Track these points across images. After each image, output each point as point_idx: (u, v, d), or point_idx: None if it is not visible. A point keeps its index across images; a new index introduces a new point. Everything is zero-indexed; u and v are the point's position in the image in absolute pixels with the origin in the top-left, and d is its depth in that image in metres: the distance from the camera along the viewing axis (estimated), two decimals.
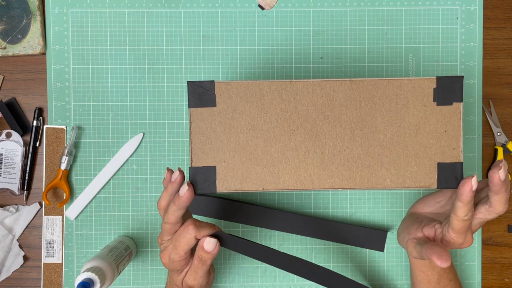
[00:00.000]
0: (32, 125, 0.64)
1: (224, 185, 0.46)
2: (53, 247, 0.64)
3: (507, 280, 0.67)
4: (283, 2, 0.65)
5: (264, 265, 0.65)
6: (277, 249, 0.65)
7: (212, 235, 0.46)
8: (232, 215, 0.64)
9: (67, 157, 0.62)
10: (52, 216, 0.64)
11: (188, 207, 0.64)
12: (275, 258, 0.48)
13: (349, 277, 0.65)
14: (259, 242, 0.65)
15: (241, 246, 0.47)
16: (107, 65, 0.64)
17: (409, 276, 0.65)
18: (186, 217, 0.51)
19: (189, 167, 0.46)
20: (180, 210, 0.45)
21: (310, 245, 0.65)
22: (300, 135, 0.46)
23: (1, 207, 0.65)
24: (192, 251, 0.49)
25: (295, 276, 0.65)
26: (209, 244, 0.45)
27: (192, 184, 0.46)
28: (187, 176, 0.64)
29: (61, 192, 0.65)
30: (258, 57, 0.65)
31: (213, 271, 0.52)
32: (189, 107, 0.45)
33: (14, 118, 0.63)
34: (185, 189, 0.44)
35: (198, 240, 0.46)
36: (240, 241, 0.47)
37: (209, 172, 0.46)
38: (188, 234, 0.45)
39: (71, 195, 0.64)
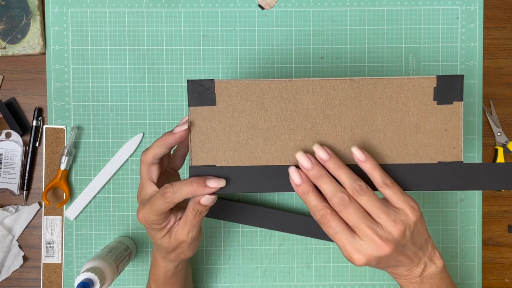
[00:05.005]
0: (32, 125, 0.64)
1: None
2: (52, 247, 0.64)
3: (507, 280, 0.67)
4: (283, 2, 0.65)
5: (264, 265, 0.65)
6: (277, 249, 0.65)
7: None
8: (232, 215, 0.64)
9: (66, 157, 0.62)
10: (51, 216, 0.64)
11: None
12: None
13: (349, 277, 0.65)
14: (259, 242, 0.65)
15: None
16: (107, 65, 0.64)
17: None
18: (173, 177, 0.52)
19: (189, 166, 0.45)
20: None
21: (310, 245, 0.65)
22: (300, 134, 0.46)
23: (1, 207, 0.64)
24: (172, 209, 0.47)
25: (295, 276, 0.65)
26: (207, 200, 0.46)
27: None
28: (186, 176, 0.64)
29: (60, 192, 0.65)
30: (258, 57, 0.65)
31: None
32: (189, 106, 0.45)
33: (14, 118, 0.63)
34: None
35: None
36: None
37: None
38: (166, 202, 0.44)
39: (71, 195, 0.64)
